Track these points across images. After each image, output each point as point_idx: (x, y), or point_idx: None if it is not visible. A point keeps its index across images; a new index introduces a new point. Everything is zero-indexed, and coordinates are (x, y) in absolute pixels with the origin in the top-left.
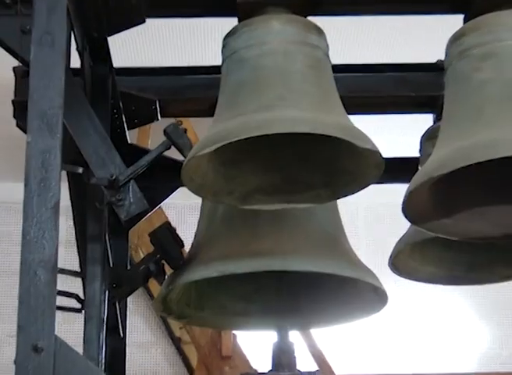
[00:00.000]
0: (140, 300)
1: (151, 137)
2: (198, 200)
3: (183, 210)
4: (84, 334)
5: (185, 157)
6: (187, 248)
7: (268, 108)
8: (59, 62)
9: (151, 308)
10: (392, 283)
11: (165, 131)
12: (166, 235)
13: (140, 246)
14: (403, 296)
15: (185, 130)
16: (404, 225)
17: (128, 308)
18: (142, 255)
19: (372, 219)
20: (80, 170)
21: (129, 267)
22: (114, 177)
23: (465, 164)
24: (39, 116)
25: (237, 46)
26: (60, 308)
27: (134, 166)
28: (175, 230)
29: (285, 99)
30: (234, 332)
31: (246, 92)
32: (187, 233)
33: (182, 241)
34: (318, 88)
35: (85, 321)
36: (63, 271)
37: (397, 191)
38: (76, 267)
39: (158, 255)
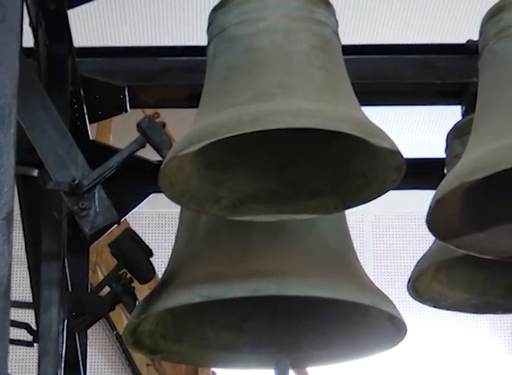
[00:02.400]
0: (98, 331)
1: (112, 132)
2: (169, 208)
3: (149, 220)
4: (38, 373)
5: (163, 157)
6: (160, 268)
7: (266, 98)
8: (13, 40)
9: (112, 341)
10: (408, 312)
11: (138, 126)
12: (130, 243)
13: (99, 265)
14: (418, 326)
15: (163, 125)
16: (423, 240)
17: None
18: (101, 276)
19: (382, 233)
20: (35, 173)
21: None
22: (76, 181)
23: (506, 167)
24: None
25: (227, 22)
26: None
27: (101, 167)
28: (139, 236)
29: (286, 87)
30: (213, 370)
31: (238, 78)
32: (156, 249)
33: (150, 249)
34: (326, 73)
35: (39, 356)
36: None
37: (411, 199)
38: (26, 292)
39: (125, 274)
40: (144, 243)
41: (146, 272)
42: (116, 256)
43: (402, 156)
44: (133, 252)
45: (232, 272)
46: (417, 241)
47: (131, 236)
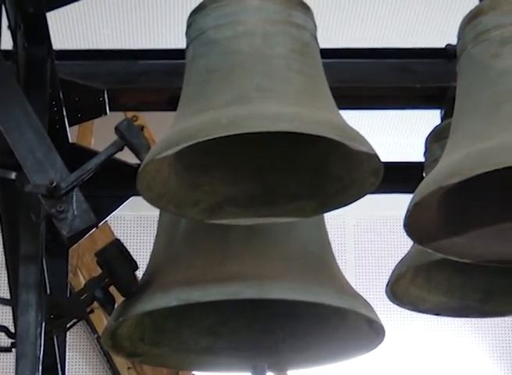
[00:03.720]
0: (79, 333)
1: (94, 135)
2: (151, 211)
3: (131, 223)
4: None
5: (141, 160)
6: (142, 271)
7: (244, 101)
8: None
9: (92, 344)
10: (388, 315)
11: (117, 128)
12: (117, 255)
13: (80, 268)
14: (399, 330)
15: (141, 128)
16: (403, 243)
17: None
18: (82, 279)
19: (363, 236)
20: (13, 175)
21: (68, 294)
22: (54, 184)
23: (483, 171)
24: None
25: (206, 25)
26: None
27: (79, 170)
28: (126, 249)
29: (264, 90)
30: (195, 373)
31: (216, 82)
32: (137, 251)
33: (135, 263)
34: (305, 77)
35: (17, 359)
36: None
37: (393, 203)
38: (5, 293)
39: (106, 280)
40: (131, 256)
41: (129, 285)
42: (101, 266)
43: (380, 160)
44: (118, 265)
45: (211, 275)
46: (399, 244)
47: (118, 247)
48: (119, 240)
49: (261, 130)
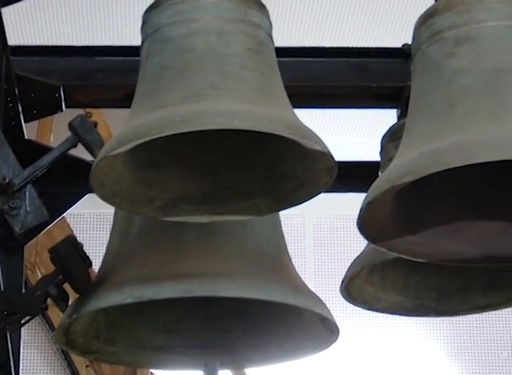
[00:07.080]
0: (36, 330)
1: (53, 131)
2: (110, 209)
3: (90, 221)
4: None
5: (95, 157)
6: (96, 267)
7: (197, 99)
8: None
9: (50, 341)
10: (345, 314)
11: (70, 125)
12: (70, 252)
13: (38, 265)
14: (357, 329)
15: (95, 124)
16: (361, 243)
17: (22, 341)
18: (40, 276)
19: (323, 235)
20: None
21: (24, 291)
22: (7, 180)
23: (435, 170)
24: None
25: (160, 23)
26: None
27: (32, 166)
28: (81, 245)
29: (218, 88)
30: (152, 371)
31: (170, 79)
32: (96, 250)
33: (89, 260)
34: (259, 75)
35: None
36: None
37: (353, 202)
38: None
39: (60, 277)
40: (84, 252)
41: (82, 282)
42: (54, 262)
43: (333, 158)
44: (71, 261)
45: (165, 273)
46: (360, 243)
47: (72, 244)
48: (73, 236)
49: (215, 128)
